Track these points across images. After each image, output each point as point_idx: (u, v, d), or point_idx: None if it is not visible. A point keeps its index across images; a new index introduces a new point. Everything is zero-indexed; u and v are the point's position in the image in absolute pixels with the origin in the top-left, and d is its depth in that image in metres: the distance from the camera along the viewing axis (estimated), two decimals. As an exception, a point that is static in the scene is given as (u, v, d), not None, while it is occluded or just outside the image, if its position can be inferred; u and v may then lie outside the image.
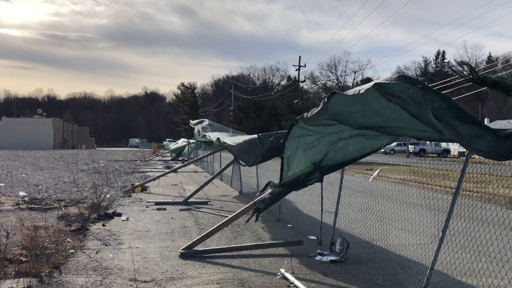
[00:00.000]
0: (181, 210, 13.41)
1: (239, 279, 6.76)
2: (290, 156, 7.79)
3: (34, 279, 6.39)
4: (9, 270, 6.73)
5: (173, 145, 52.10)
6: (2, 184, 19.41)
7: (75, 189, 17.73)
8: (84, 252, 8.15)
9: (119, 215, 12.18)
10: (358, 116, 5.58)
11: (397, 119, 5.10)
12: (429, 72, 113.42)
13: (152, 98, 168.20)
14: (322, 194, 8.80)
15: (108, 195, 15.90)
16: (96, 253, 8.14)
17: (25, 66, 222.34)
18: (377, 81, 4.72)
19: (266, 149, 9.70)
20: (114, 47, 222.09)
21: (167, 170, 25.45)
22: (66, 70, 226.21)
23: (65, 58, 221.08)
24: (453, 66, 4.70)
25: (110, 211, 12.54)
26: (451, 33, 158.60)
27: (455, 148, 58.62)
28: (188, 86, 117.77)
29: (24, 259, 7.19)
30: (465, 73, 4.05)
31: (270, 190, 8.37)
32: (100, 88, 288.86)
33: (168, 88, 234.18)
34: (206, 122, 19.42)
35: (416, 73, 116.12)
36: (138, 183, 19.32)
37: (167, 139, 68.68)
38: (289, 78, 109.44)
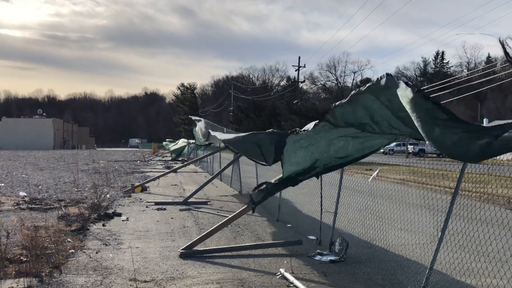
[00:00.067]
0: (181, 210, 13.43)
1: (238, 279, 6.77)
2: (290, 152, 7.81)
3: (34, 279, 6.41)
4: (9, 270, 6.75)
5: (172, 146, 52.12)
6: (3, 184, 19.42)
7: (75, 189, 17.74)
8: (84, 252, 8.17)
9: (119, 215, 12.20)
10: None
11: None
12: (428, 72, 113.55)
13: (152, 99, 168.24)
14: (321, 194, 8.83)
15: (108, 195, 15.92)
16: (96, 253, 8.16)
17: (25, 67, 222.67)
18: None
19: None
20: (114, 47, 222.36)
21: (167, 170, 25.47)
22: (66, 71, 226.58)
23: (65, 59, 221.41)
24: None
25: (110, 211, 12.56)
26: (450, 33, 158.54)
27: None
28: (188, 86, 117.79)
29: (24, 259, 7.21)
30: None
31: (265, 185, 8.41)
32: (100, 88, 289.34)
33: (168, 88, 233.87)
34: (202, 122, 19.41)
35: (415, 74, 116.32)
36: (138, 183, 19.33)
37: (167, 140, 68.67)
38: (288, 78, 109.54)
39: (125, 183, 20.82)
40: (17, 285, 6.16)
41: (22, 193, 16.17)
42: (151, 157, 52.10)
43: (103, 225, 10.83)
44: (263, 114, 66.10)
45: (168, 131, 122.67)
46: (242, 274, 7.03)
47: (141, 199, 15.79)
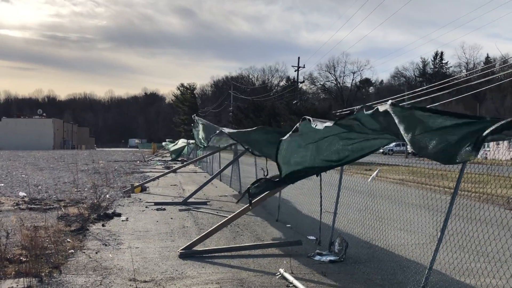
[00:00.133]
0: (180, 210, 13.43)
1: (238, 279, 6.78)
2: (288, 150, 7.81)
3: (34, 279, 6.41)
4: (9, 270, 6.75)
5: (172, 146, 52.14)
6: (2, 185, 19.42)
7: (75, 190, 17.74)
8: (84, 252, 8.17)
9: (119, 215, 12.20)
10: None
11: None
12: (427, 73, 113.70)
13: (152, 99, 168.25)
14: (321, 194, 8.83)
15: (107, 196, 15.93)
16: (96, 253, 8.16)
17: (25, 67, 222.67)
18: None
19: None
20: (114, 48, 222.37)
21: (166, 171, 25.47)
22: (66, 71, 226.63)
23: (65, 59, 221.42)
24: None
25: (109, 211, 12.56)
26: (449, 34, 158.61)
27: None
28: (188, 86, 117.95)
29: (24, 259, 7.21)
30: None
31: (264, 181, 8.43)
32: (100, 88, 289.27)
33: (167, 88, 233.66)
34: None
35: (414, 74, 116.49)
36: (137, 184, 19.34)
37: (167, 140, 68.72)
38: (288, 78, 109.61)
39: (124, 183, 20.82)
40: (17, 285, 6.17)
41: (21, 193, 16.17)
42: (151, 157, 52.13)
43: (103, 225, 10.83)
44: (263, 114, 66.11)
45: (167, 131, 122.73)
46: (241, 274, 7.03)
47: (140, 199, 15.79)
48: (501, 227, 6.82)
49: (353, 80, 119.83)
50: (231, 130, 13.14)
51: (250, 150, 11.80)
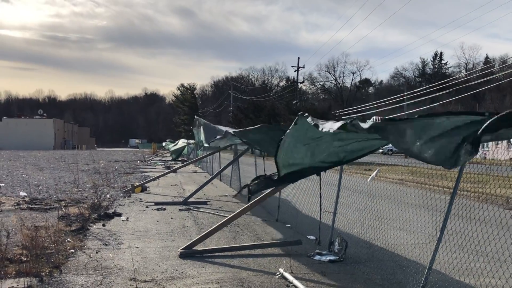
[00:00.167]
0: (180, 210, 13.45)
1: (238, 278, 6.80)
2: (288, 151, 7.83)
3: (34, 278, 6.43)
4: (9, 270, 6.77)
5: (172, 146, 52.17)
6: (3, 184, 19.44)
7: (76, 189, 17.76)
8: (84, 252, 8.19)
9: (119, 215, 12.22)
10: None
11: None
12: (426, 73, 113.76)
13: (152, 99, 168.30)
14: (320, 194, 8.85)
15: (108, 195, 15.94)
16: (96, 253, 8.18)
17: (25, 67, 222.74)
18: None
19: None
20: (114, 48, 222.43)
21: (166, 171, 25.49)
22: (67, 71, 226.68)
23: (66, 59, 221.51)
24: None
25: (110, 211, 12.58)
26: (449, 34, 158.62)
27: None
28: (188, 87, 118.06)
29: (24, 259, 7.23)
30: None
31: (264, 179, 8.47)
32: (100, 89, 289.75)
33: (168, 89, 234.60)
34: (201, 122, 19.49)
35: (414, 74, 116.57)
36: (138, 183, 19.35)
37: (167, 140, 68.78)
38: (288, 79, 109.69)
39: (125, 183, 20.84)
40: (17, 285, 6.18)
41: (22, 193, 16.19)
42: (151, 157, 52.15)
43: (103, 225, 10.85)
44: (263, 115, 66.19)
45: (168, 132, 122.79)
46: (241, 274, 7.05)
47: (141, 199, 15.81)
48: (500, 227, 6.84)
49: (352, 80, 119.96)
50: (236, 130, 13.17)
51: (257, 148, 11.86)
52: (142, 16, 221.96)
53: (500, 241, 6.67)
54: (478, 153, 4.49)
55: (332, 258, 7.91)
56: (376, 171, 13.39)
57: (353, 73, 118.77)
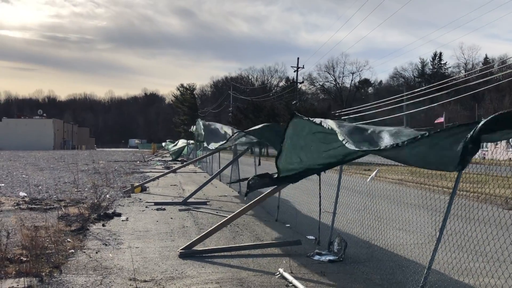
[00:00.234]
0: (180, 210, 13.46)
1: (238, 278, 6.80)
2: (288, 154, 7.85)
3: (34, 278, 6.43)
4: (9, 270, 6.78)
5: (172, 146, 52.19)
6: (3, 185, 19.44)
7: (75, 190, 17.76)
8: (84, 252, 8.19)
9: (119, 215, 12.23)
10: None
11: None
12: (426, 73, 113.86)
13: (152, 99, 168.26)
14: (320, 194, 8.86)
15: (108, 196, 15.95)
16: (96, 253, 8.19)
17: (25, 67, 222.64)
18: None
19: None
20: (114, 48, 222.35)
21: (166, 171, 25.49)
22: (66, 71, 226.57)
23: (65, 60, 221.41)
24: None
25: (110, 211, 12.58)
26: (448, 34, 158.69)
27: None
28: (187, 87, 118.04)
29: (24, 259, 7.23)
30: None
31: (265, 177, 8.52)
32: (100, 89, 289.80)
33: (167, 89, 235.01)
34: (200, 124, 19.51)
35: (413, 74, 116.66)
36: (137, 184, 19.36)
37: (167, 140, 68.81)
38: (287, 79, 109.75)
39: (124, 183, 20.84)
40: (18, 285, 6.19)
41: (22, 193, 16.20)
42: (151, 158, 52.14)
43: (103, 225, 10.86)
44: (262, 115, 66.16)
45: (167, 132, 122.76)
46: (241, 274, 7.06)
47: (140, 199, 15.82)
48: (500, 227, 6.85)
49: (352, 80, 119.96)
50: (252, 129, 13.15)
51: (266, 143, 11.89)
52: (142, 17, 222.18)
53: (499, 241, 6.69)
54: (478, 154, 4.53)
55: (331, 258, 7.93)
56: (376, 171, 13.39)
57: (353, 73, 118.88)
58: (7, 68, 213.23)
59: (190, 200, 15.10)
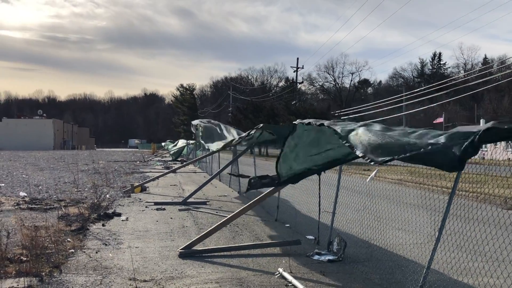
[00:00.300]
0: (180, 210, 13.48)
1: (237, 278, 6.82)
2: (288, 152, 7.87)
3: (34, 278, 6.45)
4: (9, 270, 6.79)
5: (172, 146, 52.19)
6: (3, 185, 19.45)
7: (75, 190, 17.78)
8: (84, 252, 8.21)
9: (119, 215, 12.24)
10: None
11: None
12: (425, 73, 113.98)
13: (152, 99, 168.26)
14: (319, 194, 8.88)
15: (108, 195, 15.96)
16: (96, 252, 8.20)
17: (25, 68, 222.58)
18: None
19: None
20: (113, 48, 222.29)
21: (166, 171, 25.50)
22: (66, 72, 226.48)
23: (65, 60, 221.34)
24: None
25: (110, 211, 12.60)
26: (448, 35, 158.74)
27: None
28: (187, 87, 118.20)
29: (24, 259, 7.25)
30: None
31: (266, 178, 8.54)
32: (100, 89, 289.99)
33: (167, 89, 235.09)
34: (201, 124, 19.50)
35: (412, 75, 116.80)
36: (137, 184, 19.37)
37: (167, 140, 68.81)
38: (287, 79, 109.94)
39: (124, 183, 20.85)
40: (18, 285, 6.21)
41: (22, 193, 16.21)
42: (151, 158, 52.15)
43: (103, 225, 10.87)
44: (262, 115, 66.15)
45: (167, 132, 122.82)
46: (241, 273, 7.08)
47: (140, 199, 15.83)
48: (499, 227, 6.87)
49: (351, 80, 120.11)
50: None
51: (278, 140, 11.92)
52: (142, 17, 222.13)
53: (498, 241, 6.71)
54: (477, 154, 4.55)
55: (331, 257, 7.94)
56: (375, 171, 13.37)
57: (352, 74, 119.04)
58: (7, 68, 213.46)
59: (190, 200, 15.11)
